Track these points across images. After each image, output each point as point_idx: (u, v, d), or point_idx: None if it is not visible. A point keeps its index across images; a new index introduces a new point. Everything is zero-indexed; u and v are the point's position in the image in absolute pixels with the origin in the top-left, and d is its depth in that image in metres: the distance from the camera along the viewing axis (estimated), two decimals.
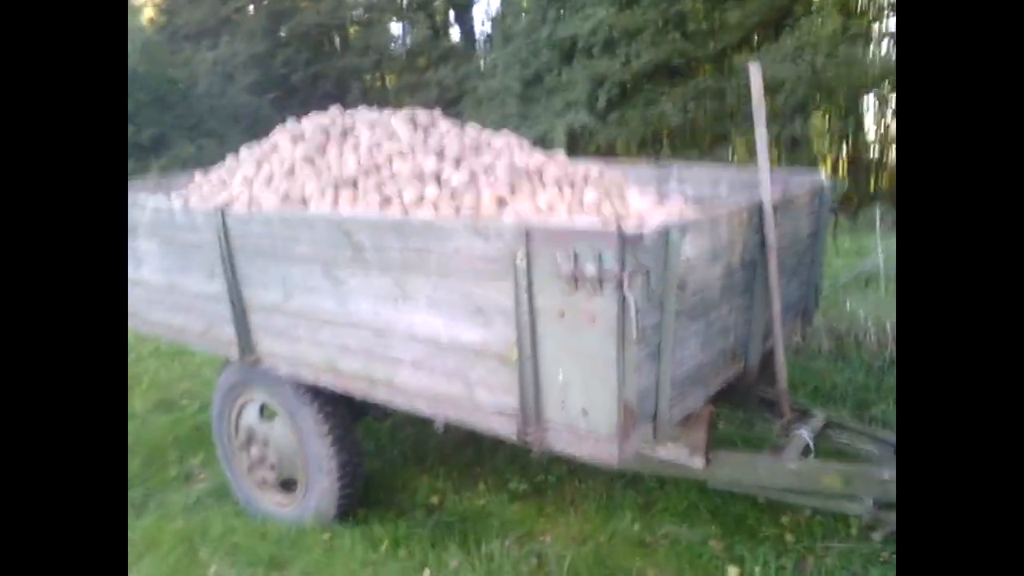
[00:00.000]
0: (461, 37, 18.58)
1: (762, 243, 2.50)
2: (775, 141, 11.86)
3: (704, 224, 2.16)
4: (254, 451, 3.22)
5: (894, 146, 12.88)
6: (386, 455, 3.84)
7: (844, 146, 12.29)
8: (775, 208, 2.50)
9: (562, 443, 2.08)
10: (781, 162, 11.65)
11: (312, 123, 3.35)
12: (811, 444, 2.58)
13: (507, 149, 3.06)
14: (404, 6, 18.91)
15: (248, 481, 3.32)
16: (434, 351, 2.30)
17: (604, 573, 2.75)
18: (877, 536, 2.46)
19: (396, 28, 19.75)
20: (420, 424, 3.42)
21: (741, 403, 3.02)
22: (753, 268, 2.52)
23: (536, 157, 2.99)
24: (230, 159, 3.48)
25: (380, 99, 16.90)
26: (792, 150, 10.71)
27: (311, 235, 2.51)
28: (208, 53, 16.47)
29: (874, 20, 11.71)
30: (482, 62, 16.32)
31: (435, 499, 3.38)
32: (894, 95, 11.98)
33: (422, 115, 3.28)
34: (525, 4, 14.22)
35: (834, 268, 6.12)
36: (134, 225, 3.22)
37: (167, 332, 3.33)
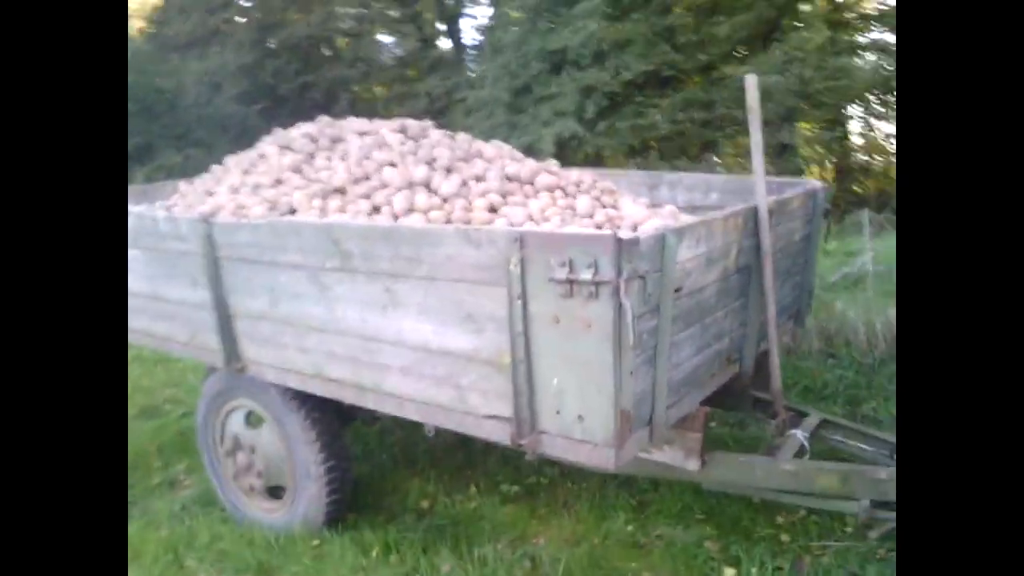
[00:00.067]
0: (450, 48, 18.62)
1: (757, 247, 2.50)
2: (752, 147, 11.90)
3: (700, 228, 2.15)
4: (240, 458, 3.17)
5: (878, 154, 13.07)
6: (375, 459, 3.79)
7: (830, 153, 12.42)
8: (770, 212, 2.50)
9: (558, 449, 2.05)
10: (769, 170, 11.69)
11: (300, 132, 3.33)
12: (806, 444, 2.57)
13: (498, 158, 3.05)
14: (394, 18, 18.94)
15: (235, 488, 3.27)
16: (424, 357, 2.27)
17: (599, 575, 2.72)
18: (874, 535, 2.45)
19: (385, 39, 19.78)
20: (409, 427, 3.38)
21: (735, 404, 3.02)
22: (748, 272, 2.52)
23: (528, 165, 2.98)
24: (216, 168, 3.44)
25: (369, 110, 16.87)
26: (780, 157, 10.79)
27: (298, 243, 2.48)
28: (196, 63, 16.40)
29: (860, 32, 11.87)
30: (471, 73, 16.35)
31: (426, 503, 3.34)
32: (879, 105, 12.16)
33: (412, 125, 3.27)
34: (515, 16, 14.28)
35: (822, 270, 6.17)
36: None
37: (151, 340, 3.28)
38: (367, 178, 2.88)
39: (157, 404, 4.82)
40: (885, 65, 10.27)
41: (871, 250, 5.82)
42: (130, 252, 3.14)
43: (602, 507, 3.14)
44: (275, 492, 3.16)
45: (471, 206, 2.73)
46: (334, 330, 2.47)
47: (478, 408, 2.18)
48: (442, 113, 14.68)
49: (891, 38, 11.06)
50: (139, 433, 4.30)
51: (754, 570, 2.60)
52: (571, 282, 1.85)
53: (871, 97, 11.64)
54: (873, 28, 11.87)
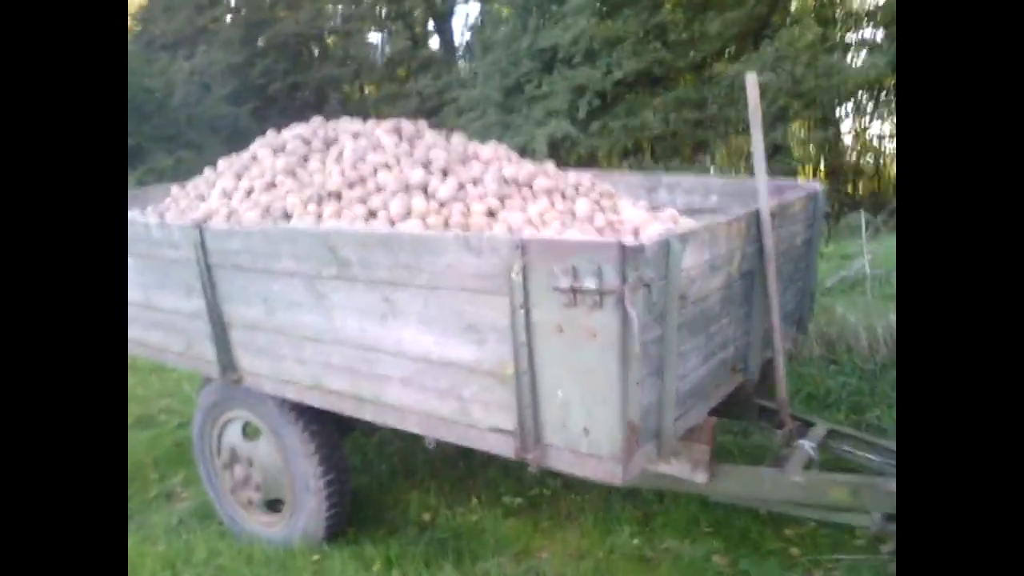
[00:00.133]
0: (440, 47, 18.54)
1: (760, 252, 2.46)
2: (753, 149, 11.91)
3: (704, 234, 2.11)
4: (238, 471, 3.11)
5: (871, 153, 13.10)
6: (374, 471, 3.73)
7: (823, 153, 12.43)
8: (772, 216, 2.46)
9: (563, 463, 2.00)
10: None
11: (293, 134, 3.27)
12: (815, 456, 2.53)
13: (495, 160, 3.00)
14: (383, 16, 18.84)
15: (232, 501, 3.21)
16: (425, 369, 2.21)
17: None
18: (886, 549, 2.41)
19: (375, 38, 19.68)
20: (408, 438, 3.34)
21: (740, 414, 2.97)
22: (751, 277, 2.48)
23: (525, 167, 2.93)
24: (208, 172, 3.38)
25: (360, 109, 16.78)
26: (772, 158, 10.78)
27: (294, 250, 2.42)
28: (185, 63, 16.24)
29: (850, 30, 11.88)
30: (462, 72, 16.29)
31: (427, 515, 3.28)
32: (871, 103, 12.18)
33: (407, 126, 3.21)
34: (505, 14, 14.22)
35: (819, 273, 6.13)
36: None
37: (144, 350, 3.21)
38: (362, 181, 2.82)
39: (152, 414, 4.75)
40: (876, 63, 10.27)
41: (868, 253, 5.79)
42: None
43: (607, 520, 3.09)
44: (274, 505, 3.10)
45: (469, 210, 2.67)
46: (332, 340, 2.41)
47: (481, 421, 2.13)
48: (434, 113, 14.61)
49: (880, 36, 11.11)
50: (135, 444, 4.23)
51: None
52: (575, 291, 1.80)
53: (862, 96, 11.66)
54: (863, 26, 11.90)
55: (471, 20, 18.43)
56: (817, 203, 2.98)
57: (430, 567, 2.82)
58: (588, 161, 12.12)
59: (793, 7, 11.99)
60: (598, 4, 11.65)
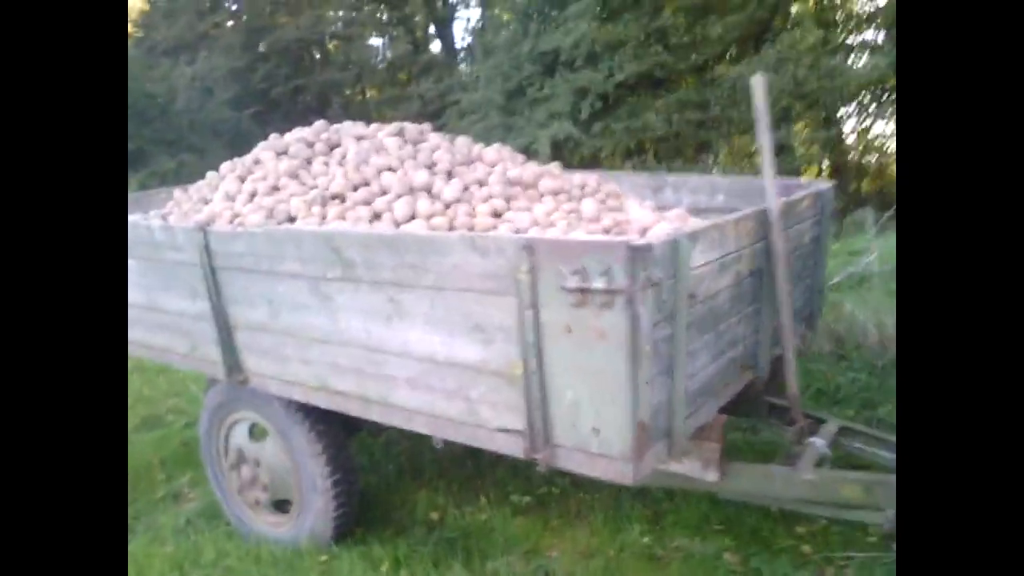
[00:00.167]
0: (442, 50, 18.56)
1: (768, 251, 2.44)
2: (760, 149, 11.92)
3: (712, 233, 2.09)
4: (245, 471, 3.11)
5: (874, 152, 13.10)
6: (382, 470, 3.72)
7: (827, 153, 12.42)
8: (781, 214, 2.44)
9: (573, 463, 1.98)
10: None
11: (296, 137, 3.26)
12: (827, 453, 2.51)
13: (500, 161, 2.99)
14: (384, 20, 18.87)
15: (240, 502, 3.20)
16: (431, 369, 2.20)
17: None
18: None
19: (376, 42, 19.71)
20: (416, 437, 3.33)
21: (750, 411, 2.95)
22: (760, 276, 2.47)
23: (531, 169, 2.92)
24: (211, 175, 3.37)
25: (361, 113, 16.80)
26: (776, 157, 10.76)
27: (298, 252, 2.41)
28: (186, 68, 16.26)
29: (851, 32, 11.88)
30: (463, 75, 16.29)
31: (435, 515, 3.27)
32: (874, 104, 12.18)
33: (411, 129, 3.20)
34: (506, 18, 14.23)
35: (827, 269, 6.11)
36: None
37: (148, 352, 3.20)
38: (366, 184, 2.81)
39: (159, 414, 4.74)
40: (878, 64, 10.26)
41: (875, 249, 5.77)
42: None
43: (617, 518, 3.07)
44: (281, 506, 3.09)
45: (474, 211, 2.66)
46: (337, 341, 2.40)
47: (489, 421, 2.11)
48: (435, 116, 14.61)
49: (882, 38, 11.11)
50: (142, 445, 4.23)
51: None
52: (583, 291, 1.79)
53: (865, 96, 11.65)
54: (864, 28, 11.90)
55: (472, 24, 18.44)
56: (825, 201, 2.97)
57: (439, 567, 2.80)
58: (591, 162, 12.10)
59: (794, 10, 11.99)
60: (599, 8, 11.64)
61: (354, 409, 2.47)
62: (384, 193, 2.74)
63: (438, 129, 3.38)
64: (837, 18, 12.02)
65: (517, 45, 12.66)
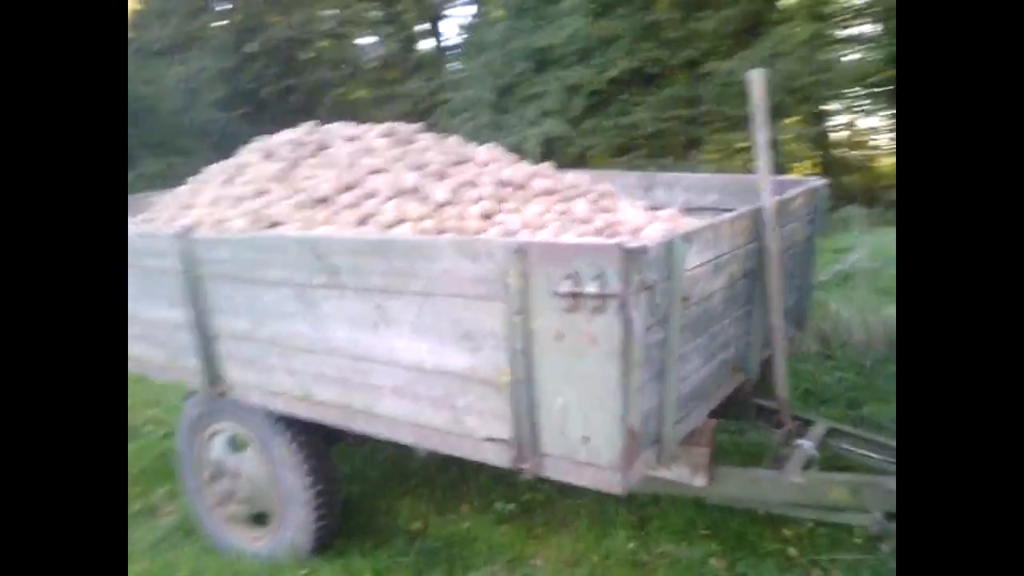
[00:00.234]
0: (433, 49, 18.48)
1: (762, 250, 2.40)
2: (749, 146, 11.92)
3: (707, 233, 2.05)
4: (224, 484, 3.02)
5: (861, 149, 13.11)
6: (363, 478, 3.65)
7: (816, 148, 12.43)
8: (775, 213, 2.41)
9: (561, 472, 1.94)
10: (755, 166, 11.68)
11: (283, 139, 3.20)
12: (815, 455, 2.48)
13: (491, 162, 2.94)
14: (374, 19, 18.77)
15: (218, 515, 3.12)
16: (418, 378, 2.15)
17: None
18: (886, 548, 2.36)
19: (367, 41, 19.60)
20: (399, 444, 3.29)
21: (738, 413, 2.93)
22: (753, 276, 2.43)
23: (522, 169, 2.87)
24: (195, 179, 3.31)
25: (352, 112, 16.70)
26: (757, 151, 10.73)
27: (283, 258, 2.35)
28: (176, 68, 16.15)
29: (843, 27, 11.87)
30: (454, 74, 16.23)
31: (418, 524, 3.21)
32: (864, 99, 12.18)
33: (401, 129, 3.15)
34: (498, 15, 14.18)
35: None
36: None
37: (127, 363, 3.13)
38: (355, 187, 2.76)
39: (136, 425, 4.63)
40: (868, 59, 10.26)
41: (863, 247, 5.75)
42: None
43: (602, 524, 3.03)
44: (260, 519, 3.02)
45: (465, 214, 2.61)
46: (322, 350, 2.35)
47: (476, 430, 2.06)
48: (426, 114, 14.55)
49: (872, 31, 11.11)
50: None
51: None
52: (576, 295, 1.74)
53: (856, 91, 11.65)
54: (855, 22, 11.89)
55: (463, 22, 18.36)
56: (819, 198, 2.93)
57: None
58: (581, 160, 12.08)
59: (785, 4, 11.96)
60: (591, 4, 11.59)
61: (338, 419, 2.42)
62: (373, 196, 2.69)
63: (428, 128, 3.33)
64: (829, 11, 11.99)
65: (509, 42, 12.61)
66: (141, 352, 2.98)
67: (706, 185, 3.29)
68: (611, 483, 1.84)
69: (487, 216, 2.61)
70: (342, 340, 2.28)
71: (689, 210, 3.14)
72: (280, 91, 17.21)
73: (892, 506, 2.24)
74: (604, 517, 3.08)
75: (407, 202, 2.61)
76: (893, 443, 2.62)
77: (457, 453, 2.16)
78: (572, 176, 2.91)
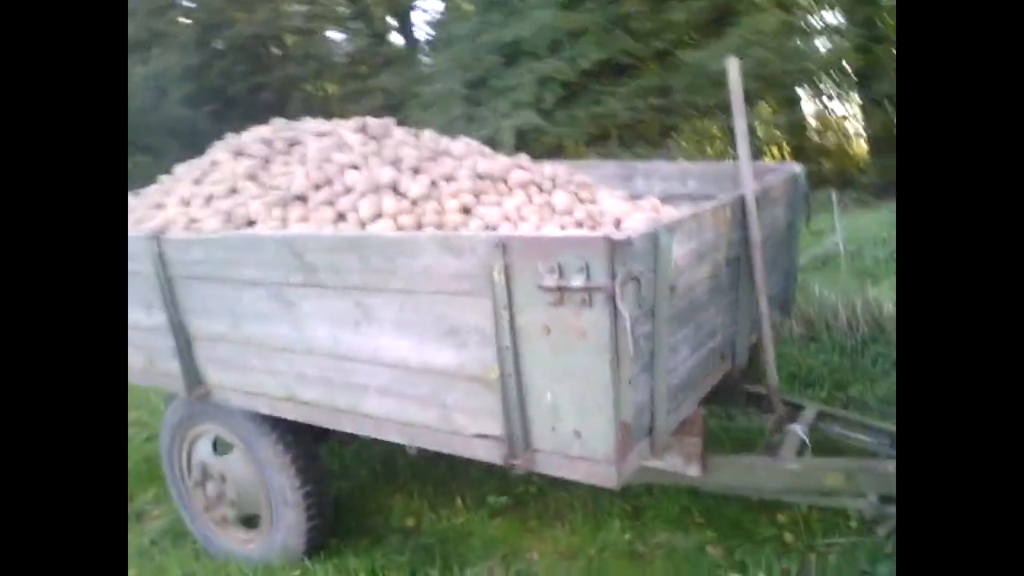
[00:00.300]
0: (402, 43, 18.30)
1: (745, 238, 2.39)
2: (722, 132, 12.00)
3: (690, 223, 2.03)
4: (210, 488, 2.96)
5: (834, 132, 13.25)
6: (354, 476, 3.61)
7: (788, 134, 12.53)
8: (756, 201, 2.40)
9: (554, 467, 1.91)
10: (728, 153, 11.78)
11: (253, 137, 3.13)
12: (807, 441, 2.48)
13: (468, 155, 2.89)
14: (343, 14, 18.54)
15: (206, 519, 3.07)
16: (403, 376, 2.11)
17: None
18: (882, 531, 2.37)
19: (336, 36, 19.36)
20: (389, 441, 3.25)
21: (727, 400, 2.93)
22: (738, 264, 2.42)
23: (499, 161, 2.83)
24: (165, 178, 3.22)
25: (323, 108, 16.48)
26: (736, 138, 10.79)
27: (258, 257, 2.29)
28: (140, 67, 15.80)
29: (811, 14, 11.96)
30: (425, 68, 16.08)
31: (411, 521, 3.17)
32: (833, 84, 12.30)
33: (374, 124, 3.09)
34: (466, 7, 14.08)
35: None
36: None
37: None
38: (329, 183, 2.70)
39: None
40: (838, 45, 10.34)
41: (841, 229, 5.80)
42: None
43: (596, 515, 3.01)
44: (250, 521, 2.96)
45: (443, 208, 2.57)
46: (303, 350, 2.30)
47: (465, 427, 2.03)
48: (397, 109, 14.39)
49: (837, 21, 11.24)
50: None
51: (761, 575, 2.50)
52: (561, 289, 1.71)
53: (826, 77, 11.76)
54: (824, 9, 11.99)
55: (432, 15, 18.22)
56: (798, 185, 2.93)
57: (416, 575, 2.72)
58: (555, 150, 12.04)
59: None
60: None
61: (323, 420, 2.37)
62: (348, 192, 2.63)
63: (401, 122, 3.27)
64: (795, 1, 12.08)
65: (479, 35, 12.52)
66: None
67: (684, 173, 3.28)
68: (606, 477, 1.82)
69: (466, 210, 2.57)
70: (323, 339, 2.23)
71: (670, 198, 3.13)
72: (249, 88, 16.93)
73: (887, 489, 2.24)
74: (598, 508, 3.06)
75: (383, 197, 2.56)
76: (884, 425, 2.63)
77: (447, 450, 2.13)
78: (550, 168, 2.87)
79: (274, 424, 2.67)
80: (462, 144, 3.00)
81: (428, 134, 3.09)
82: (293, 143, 3.05)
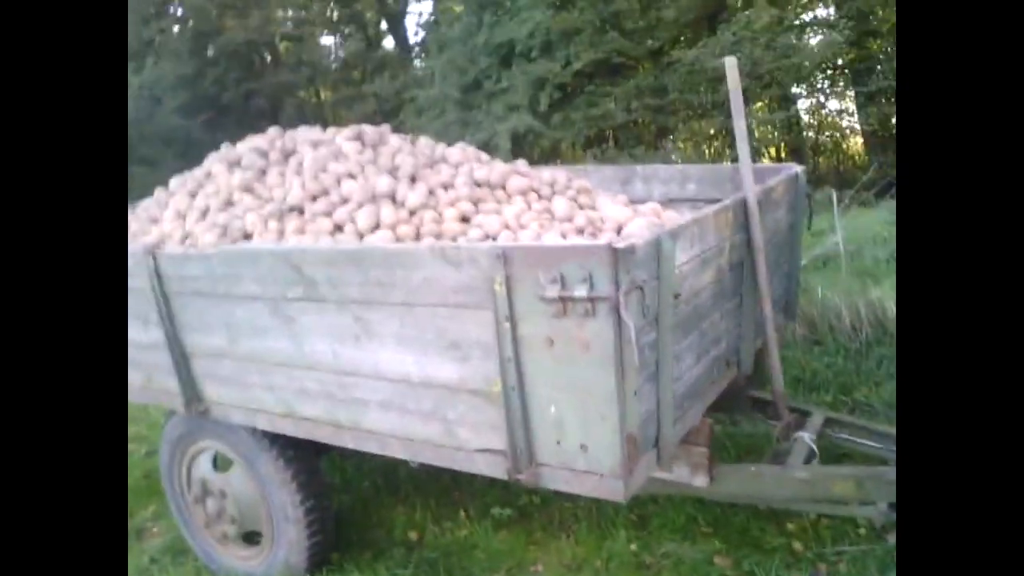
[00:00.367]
0: (395, 47, 18.27)
1: (748, 242, 2.37)
2: (719, 133, 11.99)
3: (693, 228, 2.00)
4: (211, 504, 2.93)
5: (830, 131, 13.25)
6: (355, 489, 3.56)
7: (784, 133, 12.50)
8: (758, 204, 2.37)
9: (559, 482, 1.88)
10: (726, 154, 11.77)
11: (248, 147, 3.09)
12: (815, 449, 2.45)
13: (465, 162, 2.86)
14: (335, 19, 18.51)
15: (207, 536, 3.03)
16: (405, 391, 2.07)
17: None
18: (891, 539, 2.34)
19: (328, 41, 19.33)
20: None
21: (733, 407, 2.89)
22: (741, 268, 2.39)
23: (497, 167, 2.80)
24: (160, 192, 3.18)
25: (316, 114, 16.48)
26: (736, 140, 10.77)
27: (255, 272, 2.26)
28: (133, 77, 15.74)
29: (804, 10, 11.95)
30: (418, 71, 16.06)
31: (414, 534, 3.14)
32: (827, 81, 12.29)
33: (369, 131, 3.06)
34: (459, 11, 14.05)
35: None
36: None
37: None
38: (325, 193, 2.67)
39: None
40: (832, 41, 10.31)
41: (841, 229, 5.77)
42: None
43: (602, 526, 2.97)
44: (252, 538, 2.93)
45: (441, 217, 2.54)
46: (303, 365, 2.26)
47: (469, 442, 2.00)
48: (392, 114, 14.38)
49: (830, 16, 11.22)
50: None
51: None
52: (564, 300, 1.68)
53: (821, 75, 11.75)
54: (817, 5, 11.99)
55: (424, 19, 18.18)
56: (799, 186, 2.91)
57: None
58: (552, 153, 12.01)
59: None
60: None
61: (325, 436, 2.34)
62: (345, 202, 2.60)
63: (395, 128, 3.24)
64: None
65: (471, 38, 12.50)
66: None
67: (684, 176, 3.25)
68: (613, 491, 1.79)
69: (465, 218, 2.54)
70: (323, 354, 2.20)
71: (670, 202, 3.10)
72: (242, 96, 16.89)
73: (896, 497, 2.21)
74: (603, 518, 3.02)
75: (382, 207, 2.53)
76: (892, 431, 2.60)
77: (451, 466, 2.10)
78: (549, 173, 2.84)
79: (274, 439, 2.63)
80: (459, 150, 2.97)
81: (424, 140, 3.06)
82: (288, 152, 3.02)
